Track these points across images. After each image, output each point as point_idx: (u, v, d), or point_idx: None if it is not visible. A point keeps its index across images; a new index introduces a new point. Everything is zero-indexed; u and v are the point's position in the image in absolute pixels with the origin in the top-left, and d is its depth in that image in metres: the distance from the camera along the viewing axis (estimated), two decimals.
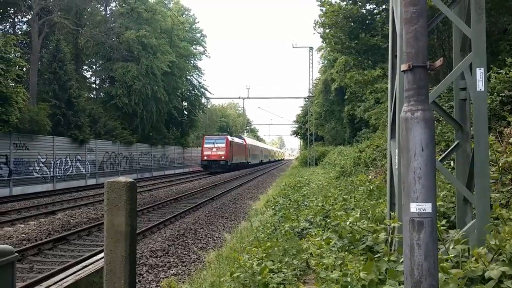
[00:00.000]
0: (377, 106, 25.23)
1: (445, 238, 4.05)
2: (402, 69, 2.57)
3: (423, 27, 2.52)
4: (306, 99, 55.93)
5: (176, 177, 39.09)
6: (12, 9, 36.24)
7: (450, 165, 7.50)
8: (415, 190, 2.40)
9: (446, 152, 4.89)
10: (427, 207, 2.39)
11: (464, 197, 4.45)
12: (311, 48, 49.03)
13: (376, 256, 4.57)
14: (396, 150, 4.61)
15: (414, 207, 2.40)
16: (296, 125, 70.00)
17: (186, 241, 11.39)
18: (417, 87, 2.48)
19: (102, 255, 5.34)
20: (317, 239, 5.92)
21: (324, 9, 19.60)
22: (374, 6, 18.37)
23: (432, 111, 2.55)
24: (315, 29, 21.22)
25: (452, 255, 3.67)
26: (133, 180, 3.49)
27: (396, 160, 4.58)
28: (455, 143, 4.79)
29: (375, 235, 5.11)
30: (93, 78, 47.03)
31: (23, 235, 11.88)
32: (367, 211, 7.32)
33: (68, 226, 13.37)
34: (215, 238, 12.17)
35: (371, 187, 10.24)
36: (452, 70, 4.39)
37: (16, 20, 38.93)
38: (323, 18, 19.76)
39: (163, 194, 22.62)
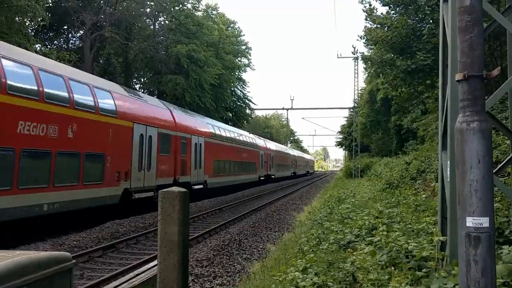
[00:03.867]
0: (425, 116, 24.60)
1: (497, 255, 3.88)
2: (456, 79, 2.50)
3: (478, 35, 2.45)
4: (351, 110, 55.24)
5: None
6: (66, 25, 37.92)
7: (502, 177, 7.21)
8: (471, 203, 2.32)
9: (501, 164, 4.71)
10: (484, 222, 2.30)
11: None
12: (356, 58, 48.52)
13: (425, 271, 4.44)
14: (448, 162, 4.47)
15: (470, 222, 2.32)
16: (341, 136, 69.18)
17: (231, 252, 11.44)
18: (473, 97, 2.41)
19: (153, 263, 5.47)
20: (362, 252, 5.82)
21: (369, 25, 19.43)
22: (422, 15, 17.95)
23: (489, 122, 2.47)
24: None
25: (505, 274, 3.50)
26: (186, 189, 3.56)
27: (448, 173, 4.44)
28: (511, 155, 4.61)
29: (422, 250, 4.97)
30: (141, 91, 48.60)
31: (75, 242, 12.28)
32: (413, 225, 7.13)
33: (117, 235, 13.72)
34: (259, 249, 12.16)
35: (419, 201, 9.97)
36: (506, 79, 4.24)
37: (69, 35, 40.71)
38: (367, 35, 19.56)
39: (208, 204, 22.86)
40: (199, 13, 50.43)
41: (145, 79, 48.14)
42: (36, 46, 27.56)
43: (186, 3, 48.26)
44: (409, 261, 4.93)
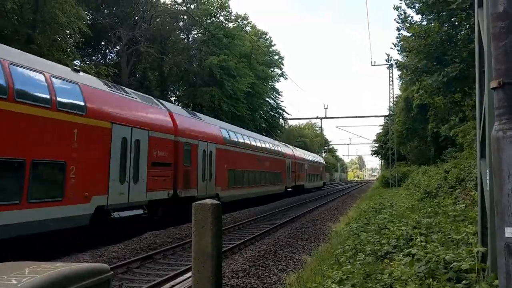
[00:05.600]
0: (464, 124, 23.97)
1: None
2: (491, 86, 2.45)
3: None
4: (387, 117, 54.39)
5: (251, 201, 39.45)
6: (104, 41, 39.10)
7: None
8: (509, 213, 2.25)
9: None
10: None
11: None
12: (391, 66, 47.87)
13: (465, 283, 4.32)
14: (487, 170, 4.35)
15: (509, 232, 2.25)
16: (377, 145, 68.15)
17: (266, 263, 11.41)
18: (509, 104, 2.35)
19: (188, 274, 5.53)
20: (400, 263, 5.71)
21: (403, 32, 19.23)
22: (458, 21, 17.60)
23: None
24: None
25: None
26: (218, 202, 3.60)
27: (488, 181, 4.32)
28: None
29: (462, 261, 4.83)
30: (177, 104, 49.53)
31: (113, 253, 12.53)
32: (452, 235, 6.95)
33: (154, 246, 13.92)
34: (295, 260, 12.08)
35: (458, 210, 9.70)
36: None
37: (107, 51, 41.95)
38: (401, 43, 19.34)
39: (243, 215, 22.91)
40: (230, 24, 51.10)
41: (180, 91, 49.00)
42: (76, 61, 28.55)
43: (218, 15, 49.05)
44: (448, 273, 4.81)
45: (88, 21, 31.46)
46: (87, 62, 34.39)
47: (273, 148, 35.60)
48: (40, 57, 14.83)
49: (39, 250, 11.00)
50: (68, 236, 12.40)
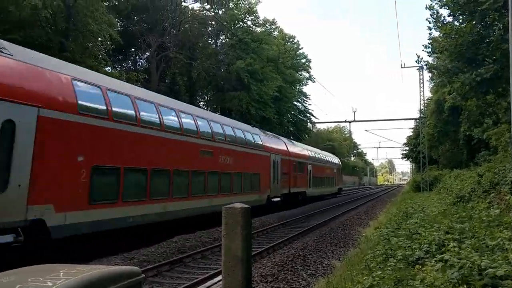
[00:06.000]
0: (497, 126, 23.35)
1: None
2: None
3: None
4: (417, 120, 53.45)
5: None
6: (134, 48, 39.88)
7: None
8: None
9: None
10: None
11: None
12: (421, 67, 47.04)
13: None
14: None
15: None
16: (407, 148, 67.06)
17: (295, 267, 11.37)
18: None
19: (217, 278, 5.57)
20: (432, 269, 5.60)
21: (434, 33, 18.92)
22: (490, 21, 17.18)
23: None
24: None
25: None
26: (248, 206, 3.62)
27: None
28: None
29: (497, 267, 4.71)
30: (205, 108, 50.07)
31: (144, 256, 12.71)
32: (486, 241, 6.77)
33: (183, 249, 14.05)
34: (324, 264, 11.99)
35: (492, 215, 9.45)
36: None
37: (137, 57, 42.76)
38: (432, 44, 19.03)
39: (271, 219, 22.88)
40: (258, 29, 51.38)
41: (209, 96, 49.49)
42: (107, 68, 29.22)
43: (245, 20, 49.39)
44: (483, 279, 4.68)
45: (119, 28, 32.16)
46: (118, 69, 35.12)
47: (241, 136, 23.12)
48: (74, 63, 15.40)
49: (73, 252, 11.27)
50: (100, 239, 12.65)
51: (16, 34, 22.12)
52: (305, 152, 37.26)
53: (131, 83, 24.09)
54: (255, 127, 28.75)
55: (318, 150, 45.36)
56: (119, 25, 34.13)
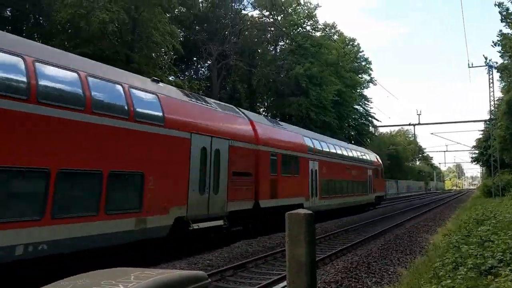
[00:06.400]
0: None
1: None
2: None
3: None
4: (487, 122, 50.81)
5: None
6: (195, 57, 40.98)
7: None
8: None
9: None
10: None
11: None
12: (490, 67, 44.74)
13: None
14: None
15: None
16: (477, 151, 63.93)
17: (359, 274, 11.13)
18: None
19: (281, 284, 5.57)
20: (507, 279, 5.30)
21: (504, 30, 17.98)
22: None
23: None
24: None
25: None
26: (311, 212, 3.60)
27: None
28: None
29: None
30: (265, 115, 50.54)
31: (207, 261, 12.95)
32: None
33: (246, 254, 14.18)
34: (389, 272, 11.65)
35: None
36: None
37: (198, 66, 43.89)
38: (502, 42, 18.09)
39: (333, 225, 22.59)
40: (318, 34, 51.14)
41: (268, 102, 49.79)
42: (170, 78, 30.21)
43: (304, 25, 49.33)
44: None
45: (181, 39, 33.18)
46: (181, 78, 36.20)
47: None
48: (140, 74, 16.01)
49: (142, 255, 11.68)
50: (165, 244, 13.03)
51: (86, 48, 23.45)
52: (304, 142, 23.46)
53: (194, 92, 24.78)
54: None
55: (339, 142, 31.86)
56: (181, 35, 35.20)
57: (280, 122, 24.30)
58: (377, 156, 40.01)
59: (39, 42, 16.53)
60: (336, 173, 27.16)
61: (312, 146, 24.09)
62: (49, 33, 25.43)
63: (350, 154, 31.24)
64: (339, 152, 28.67)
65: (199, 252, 14.18)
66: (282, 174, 19.99)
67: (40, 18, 26.21)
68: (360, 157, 33.74)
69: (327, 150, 26.44)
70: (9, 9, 25.63)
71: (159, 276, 2.70)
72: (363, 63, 62.76)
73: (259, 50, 45.49)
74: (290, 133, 22.66)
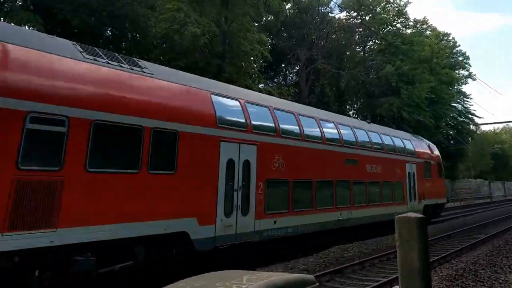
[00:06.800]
0: None
1: None
2: None
3: None
4: None
5: (444, 212, 36.68)
6: (284, 63, 41.35)
7: None
8: None
9: None
10: None
11: None
12: None
13: None
14: None
15: None
16: None
17: (466, 283, 10.49)
18: None
19: None
20: None
21: None
22: None
23: None
24: None
25: None
26: (422, 215, 3.47)
27: None
28: None
29: None
30: (355, 117, 49.56)
31: (303, 266, 12.92)
32: None
33: (341, 260, 13.96)
34: (500, 281, 10.84)
35: None
36: None
37: (287, 72, 44.21)
38: None
39: (429, 230, 21.49)
40: (408, 31, 49.23)
41: (358, 104, 48.76)
42: (260, 85, 30.74)
43: (394, 23, 47.74)
44: None
45: (269, 46, 33.66)
46: (270, 85, 36.71)
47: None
48: (230, 83, 16.55)
49: (239, 258, 11.97)
50: (263, 247, 13.22)
51: (180, 61, 24.63)
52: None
53: (284, 98, 24.99)
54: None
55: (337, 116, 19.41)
56: (270, 42, 35.70)
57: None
58: (431, 145, 27.00)
59: (136, 57, 16.95)
60: (318, 168, 15.48)
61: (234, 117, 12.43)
62: (145, 49, 27.05)
63: (358, 135, 18.63)
64: (325, 129, 16.45)
65: (293, 256, 14.22)
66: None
67: (137, 35, 27.93)
68: (385, 142, 20.76)
69: (288, 125, 14.57)
70: (109, 29, 27.59)
71: (269, 279, 2.77)
72: (460, 58, 59.27)
73: (347, 52, 44.77)
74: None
